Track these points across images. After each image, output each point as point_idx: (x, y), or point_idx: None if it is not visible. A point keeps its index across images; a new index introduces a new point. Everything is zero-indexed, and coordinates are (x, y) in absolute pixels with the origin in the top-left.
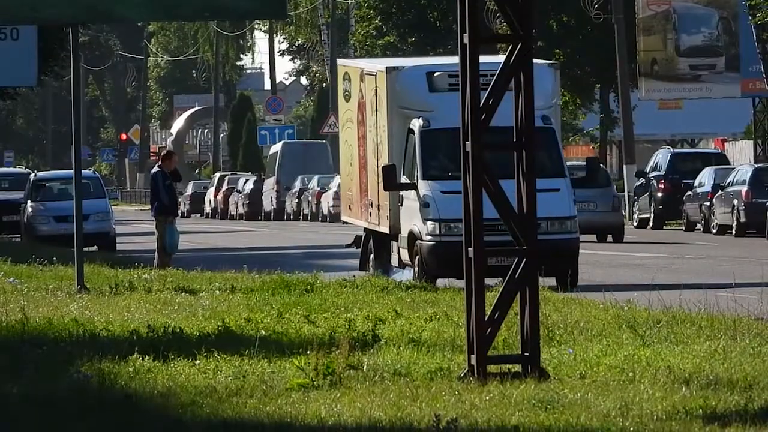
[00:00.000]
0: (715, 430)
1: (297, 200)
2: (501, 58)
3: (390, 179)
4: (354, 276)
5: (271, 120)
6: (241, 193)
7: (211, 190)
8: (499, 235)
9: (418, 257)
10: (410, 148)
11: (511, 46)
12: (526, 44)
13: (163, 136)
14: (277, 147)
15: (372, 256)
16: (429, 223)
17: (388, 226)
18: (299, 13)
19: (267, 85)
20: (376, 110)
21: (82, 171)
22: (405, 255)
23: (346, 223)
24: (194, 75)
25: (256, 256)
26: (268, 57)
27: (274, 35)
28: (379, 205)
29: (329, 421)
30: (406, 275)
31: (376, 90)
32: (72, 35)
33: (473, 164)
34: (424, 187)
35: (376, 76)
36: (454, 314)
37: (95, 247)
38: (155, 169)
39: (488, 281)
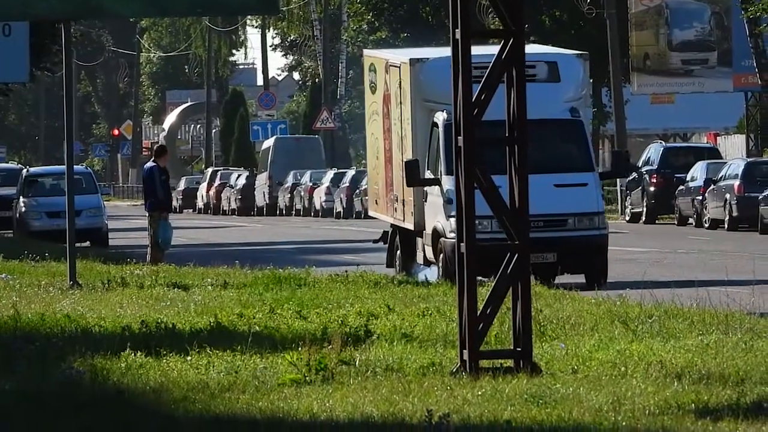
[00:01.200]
0: (707, 425)
1: (289, 195)
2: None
3: (413, 174)
4: (346, 271)
5: (263, 115)
6: (233, 188)
7: (204, 186)
8: (537, 231)
9: (442, 255)
10: (434, 142)
11: (503, 41)
12: (518, 39)
13: (156, 132)
14: (269, 142)
15: (399, 252)
16: (453, 219)
17: (413, 222)
18: (291, 9)
19: (259, 81)
20: (401, 103)
21: (75, 167)
22: (430, 253)
23: (374, 218)
24: (186, 70)
25: (249, 251)
26: (260, 52)
27: (267, 31)
28: (404, 200)
29: (321, 416)
30: (431, 274)
31: (400, 82)
32: (64, 31)
33: (465, 159)
34: (447, 182)
35: (400, 67)
36: (446, 309)
37: (87, 243)
38: (150, 164)
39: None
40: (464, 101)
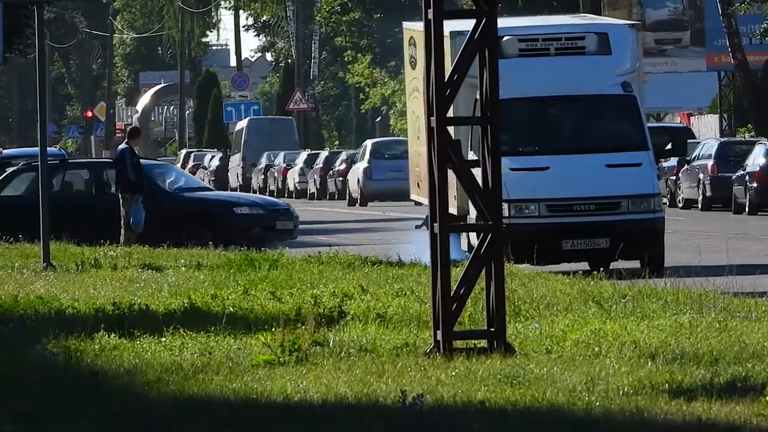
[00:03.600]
0: (681, 405)
1: (263, 176)
2: (568, 20)
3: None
4: (320, 252)
5: (236, 96)
6: (207, 169)
7: (177, 167)
8: (576, 215)
9: None
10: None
11: (475, 21)
12: (490, 19)
13: (129, 113)
14: (242, 123)
15: None
16: None
17: (456, 207)
18: None
19: (232, 62)
20: None
21: (48, 148)
22: (474, 239)
23: (417, 203)
24: (160, 52)
25: None
26: (233, 33)
27: (240, 12)
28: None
29: (295, 397)
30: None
31: None
32: (37, 13)
33: (437, 139)
34: None
35: None
36: (420, 290)
37: None
38: (122, 145)
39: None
40: (436, 81)
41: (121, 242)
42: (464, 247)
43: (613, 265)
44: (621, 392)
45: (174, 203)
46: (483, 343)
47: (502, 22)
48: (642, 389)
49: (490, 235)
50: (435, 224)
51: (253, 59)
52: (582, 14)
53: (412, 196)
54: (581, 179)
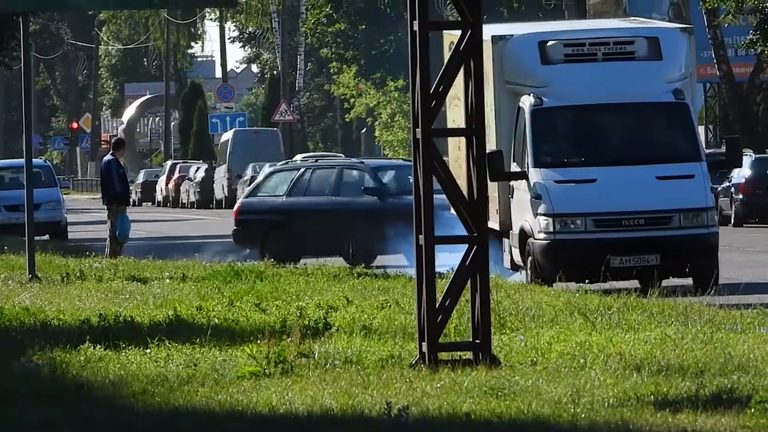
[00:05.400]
0: (666, 417)
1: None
2: (616, 23)
3: (496, 167)
4: (306, 264)
5: (222, 108)
6: (192, 181)
7: (163, 179)
8: (625, 230)
9: (530, 258)
10: (520, 131)
11: (461, 33)
12: (476, 31)
13: (115, 125)
14: (228, 135)
15: None
16: (541, 218)
17: (498, 221)
18: (249, 1)
19: (218, 73)
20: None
21: (33, 160)
22: (517, 255)
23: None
24: (145, 63)
25: (208, 244)
26: (218, 45)
27: (225, 23)
28: (487, 197)
29: (280, 409)
30: (518, 279)
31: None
32: (23, 24)
33: (423, 150)
34: (535, 175)
35: None
36: (405, 302)
37: (46, 236)
38: (108, 157)
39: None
40: (422, 93)
41: (106, 254)
42: (507, 264)
43: (665, 282)
44: (606, 404)
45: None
46: (468, 354)
47: (547, 27)
48: (627, 401)
49: (475, 247)
50: (420, 236)
51: (238, 70)
52: (631, 17)
53: (451, 212)
54: (630, 192)
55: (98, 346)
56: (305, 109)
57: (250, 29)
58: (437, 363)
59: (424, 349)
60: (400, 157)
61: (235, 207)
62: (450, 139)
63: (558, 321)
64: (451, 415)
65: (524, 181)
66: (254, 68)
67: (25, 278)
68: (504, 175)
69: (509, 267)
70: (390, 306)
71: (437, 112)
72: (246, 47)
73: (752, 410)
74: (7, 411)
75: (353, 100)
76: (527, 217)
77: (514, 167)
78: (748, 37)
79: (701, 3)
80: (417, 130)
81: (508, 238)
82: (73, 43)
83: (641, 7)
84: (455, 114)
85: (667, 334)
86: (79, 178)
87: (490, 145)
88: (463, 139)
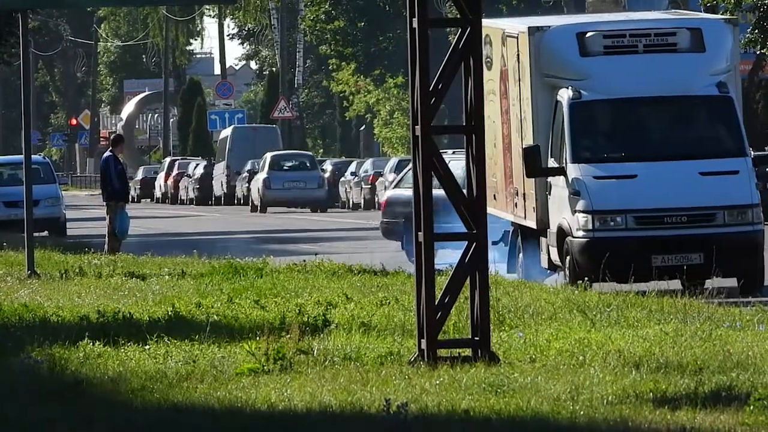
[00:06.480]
0: (665, 414)
1: (247, 185)
2: (657, 14)
3: (533, 163)
4: (305, 261)
5: (221, 104)
6: (191, 177)
7: (162, 175)
8: (667, 228)
9: (568, 257)
10: (558, 125)
11: (460, 30)
12: (475, 28)
13: (113, 121)
14: (227, 131)
15: (521, 256)
16: (580, 215)
17: (535, 219)
18: None
19: (217, 70)
20: (519, 79)
21: (32, 156)
22: (555, 255)
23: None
24: (144, 60)
25: (207, 241)
26: (217, 42)
27: (224, 20)
28: (524, 194)
29: (279, 405)
30: (556, 280)
31: (518, 55)
32: (22, 20)
33: (422, 147)
34: (574, 171)
35: (517, 38)
36: (404, 299)
37: (45, 233)
38: (107, 153)
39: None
40: (422, 90)
41: (106, 250)
42: (544, 264)
43: (708, 283)
44: (605, 401)
45: None
46: (467, 351)
47: (586, 18)
48: (626, 398)
49: (474, 244)
50: (419, 233)
51: (237, 67)
52: (673, 9)
53: (489, 210)
54: (672, 188)
55: (97, 343)
56: (304, 106)
57: (249, 26)
58: (436, 360)
59: (423, 346)
60: (399, 154)
61: (382, 200)
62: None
63: (557, 318)
64: (450, 412)
65: (562, 177)
66: (253, 65)
67: (24, 274)
68: (541, 171)
69: (546, 267)
70: (389, 303)
71: (436, 109)
72: (245, 44)
73: (751, 407)
74: (6, 407)
75: (352, 97)
76: (565, 214)
77: (552, 163)
78: (747, 36)
79: (700, 0)
80: (416, 127)
81: (545, 236)
82: (72, 39)
83: (640, 5)
84: (490, 109)
85: (666, 331)
86: (78, 174)
87: (527, 140)
88: (498, 136)
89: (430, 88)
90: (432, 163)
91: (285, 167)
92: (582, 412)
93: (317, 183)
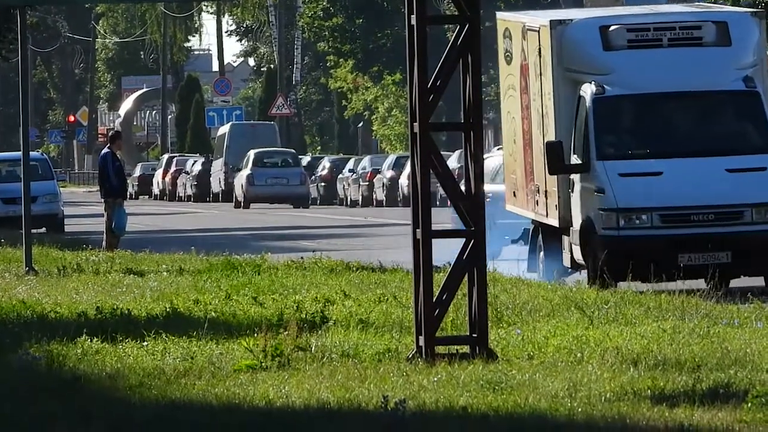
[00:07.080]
0: (663, 411)
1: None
2: (682, 7)
3: (556, 160)
4: (302, 257)
5: (219, 101)
6: (189, 174)
7: (160, 172)
8: (693, 226)
9: (592, 256)
10: (581, 121)
11: (458, 27)
12: (473, 25)
13: (111, 118)
14: (225, 128)
15: (542, 255)
16: (604, 213)
17: (557, 217)
18: None
19: (215, 67)
20: (540, 74)
21: (30, 153)
22: (578, 253)
23: (513, 213)
24: (142, 56)
25: (204, 237)
26: (215, 38)
27: (222, 16)
28: (546, 191)
29: (277, 402)
30: (578, 279)
31: (539, 49)
32: (20, 17)
33: (421, 144)
34: (598, 168)
35: (539, 31)
36: (402, 296)
37: (43, 229)
38: (105, 150)
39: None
40: (420, 87)
41: (103, 246)
42: (567, 262)
43: (734, 282)
44: (603, 398)
45: None
46: (465, 348)
47: (609, 11)
48: (624, 395)
49: (472, 241)
50: (417, 230)
51: (235, 64)
52: (698, 2)
53: (508, 207)
54: (699, 185)
55: (95, 339)
56: (302, 102)
57: (247, 23)
58: (434, 357)
59: (421, 342)
60: (397, 151)
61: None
62: (504, 129)
63: (555, 315)
64: (448, 408)
65: (585, 173)
66: (251, 62)
67: (22, 271)
68: (564, 168)
69: (569, 266)
70: (387, 300)
71: (435, 106)
72: (243, 41)
73: (749, 405)
74: (5, 404)
75: (350, 94)
76: (589, 212)
77: (575, 159)
78: None
79: None
80: (415, 124)
81: (568, 235)
82: (70, 36)
83: (639, 0)
84: (510, 105)
85: (664, 328)
86: (76, 171)
87: (548, 136)
88: (518, 132)
89: (429, 85)
90: (430, 159)
91: (268, 164)
92: (580, 409)
93: (299, 179)
